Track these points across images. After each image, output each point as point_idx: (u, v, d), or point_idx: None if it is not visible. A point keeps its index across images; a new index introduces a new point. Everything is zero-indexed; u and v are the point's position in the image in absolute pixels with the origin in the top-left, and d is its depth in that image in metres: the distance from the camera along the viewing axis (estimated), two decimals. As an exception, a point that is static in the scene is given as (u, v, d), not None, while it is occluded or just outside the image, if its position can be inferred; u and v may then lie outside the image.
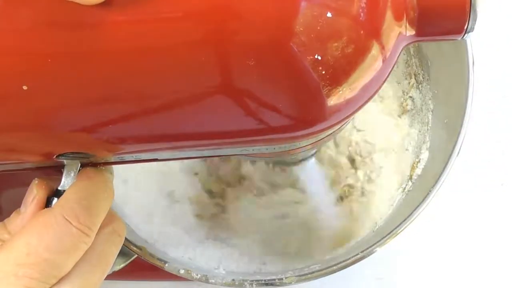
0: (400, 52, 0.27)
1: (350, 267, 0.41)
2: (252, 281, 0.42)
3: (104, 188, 0.31)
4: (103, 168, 0.31)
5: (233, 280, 0.43)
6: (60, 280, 0.28)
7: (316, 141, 0.32)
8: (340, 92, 0.25)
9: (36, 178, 0.31)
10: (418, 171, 0.47)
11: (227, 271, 0.46)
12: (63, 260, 0.28)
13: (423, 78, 0.49)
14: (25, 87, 0.23)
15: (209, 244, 0.50)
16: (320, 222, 0.52)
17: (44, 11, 0.22)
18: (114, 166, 0.33)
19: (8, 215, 0.31)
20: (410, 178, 0.48)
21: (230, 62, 0.23)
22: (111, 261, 0.31)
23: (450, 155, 0.42)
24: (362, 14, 0.24)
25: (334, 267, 0.41)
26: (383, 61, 0.26)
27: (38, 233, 0.28)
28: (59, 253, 0.28)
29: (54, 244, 0.28)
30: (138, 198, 0.50)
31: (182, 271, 0.42)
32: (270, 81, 0.24)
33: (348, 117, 0.27)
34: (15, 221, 0.30)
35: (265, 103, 0.25)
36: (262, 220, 0.52)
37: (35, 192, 0.30)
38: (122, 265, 0.42)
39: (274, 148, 0.31)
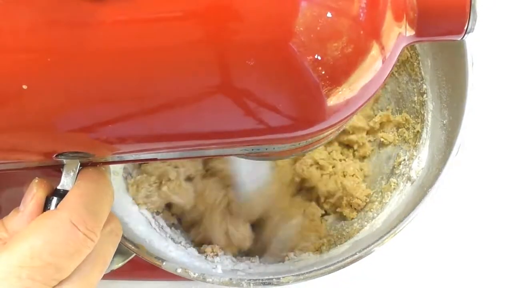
0: (400, 53, 0.27)
1: (348, 267, 0.41)
2: (250, 280, 0.42)
3: (107, 191, 0.31)
4: (104, 168, 0.31)
5: (230, 279, 0.42)
6: (61, 281, 0.28)
7: (316, 141, 0.32)
8: (340, 92, 0.25)
9: (36, 177, 0.30)
10: (417, 171, 0.47)
11: (225, 270, 0.46)
12: (67, 264, 0.28)
13: (423, 78, 0.49)
14: (25, 87, 0.23)
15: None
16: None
17: (44, 10, 0.22)
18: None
19: (7, 214, 0.31)
20: (409, 178, 0.47)
21: (230, 62, 0.23)
22: (109, 260, 0.32)
23: (449, 155, 0.42)
24: (362, 15, 0.24)
25: (332, 267, 0.41)
26: (383, 61, 0.26)
27: (44, 237, 0.28)
28: (63, 257, 0.28)
29: (59, 248, 0.28)
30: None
31: (179, 270, 0.42)
32: (269, 81, 0.24)
33: (348, 117, 0.27)
34: (14, 219, 0.30)
35: (264, 103, 0.25)
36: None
37: (34, 191, 0.30)
38: (120, 264, 0.42)
39: (274, 148, 0.31)
